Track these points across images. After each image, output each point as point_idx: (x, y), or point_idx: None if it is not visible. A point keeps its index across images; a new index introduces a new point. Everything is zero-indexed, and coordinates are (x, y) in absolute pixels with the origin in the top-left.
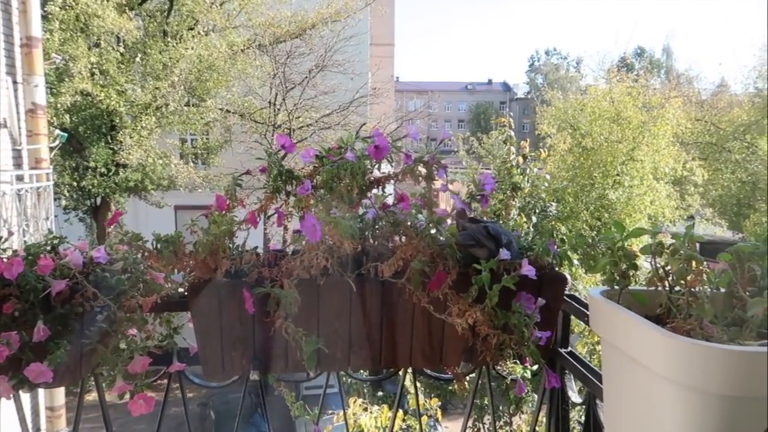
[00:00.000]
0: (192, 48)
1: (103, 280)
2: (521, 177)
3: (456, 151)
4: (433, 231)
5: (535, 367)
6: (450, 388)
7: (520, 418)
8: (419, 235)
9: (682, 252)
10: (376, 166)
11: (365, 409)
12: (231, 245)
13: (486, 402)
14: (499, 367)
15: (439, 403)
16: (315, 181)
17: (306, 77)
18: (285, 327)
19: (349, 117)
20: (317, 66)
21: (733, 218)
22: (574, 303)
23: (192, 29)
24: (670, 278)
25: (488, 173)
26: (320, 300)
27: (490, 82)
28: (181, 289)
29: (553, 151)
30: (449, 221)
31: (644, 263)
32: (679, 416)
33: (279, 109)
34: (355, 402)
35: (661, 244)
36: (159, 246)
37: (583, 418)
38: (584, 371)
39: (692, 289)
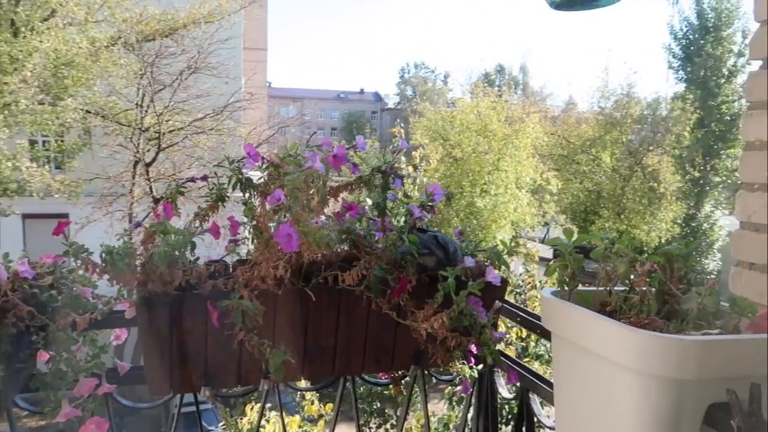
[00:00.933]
0: (47, 41)
1: (33, 297)
2: (413, 186)
3: None
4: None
5: (480, 366)
6: (386, 392)
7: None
8: (385, 245)
9: (626, 256)
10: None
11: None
12: (191, 257)
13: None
14: (434, 369)
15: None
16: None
17: (177, 79)
18: (248, 339)
19: (224, 122)
20: (189, 68)
21: (582, 224)
22: (505, 306)
23: (47, 20)
24: (617, 279)
25: (437, 185)
26: (277, 310)
27: (362, 91)
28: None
29: (426, 160)
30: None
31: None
32: (637, 401)
33: (147, 112)
34: (252, 409)
35: (609, 249)
36: (112, 259)
37: (514, 411)
38: (518, 368)
39: (638, 288)
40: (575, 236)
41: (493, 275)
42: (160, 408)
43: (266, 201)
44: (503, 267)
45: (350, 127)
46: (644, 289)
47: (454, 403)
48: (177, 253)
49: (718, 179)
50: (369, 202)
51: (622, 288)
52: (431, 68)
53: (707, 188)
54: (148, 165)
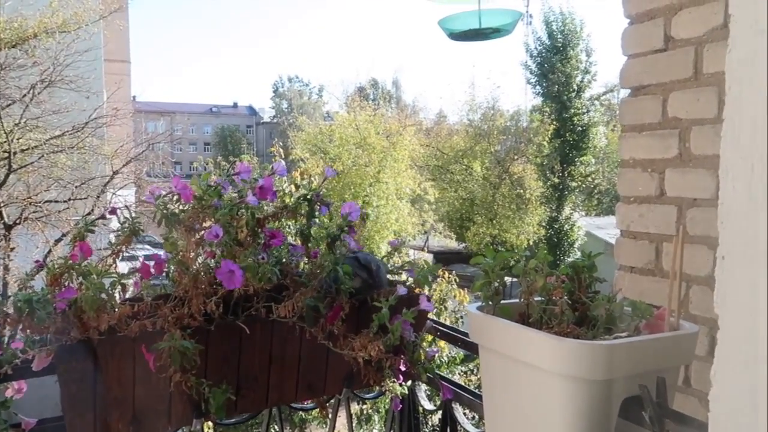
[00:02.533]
0: None
1: None
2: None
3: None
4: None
5: (409, 382)
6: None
7: None
8: (311, 271)
9: (542, 270)
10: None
11: None
12: (118, 299)
13: None
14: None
15: None
16: (198, 225)
17: (28, 93)
18: (185, 380)
19: (86, 139)
20: (43, 81)
21: (459, 230)
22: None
23: None
24: (536, 292)
25: (352, 203)
26: (209, 347)
27: (235, 105)
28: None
29: (308, 175)
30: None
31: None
32: (564, 402)
33: None
34: None
35: (527, 265)
36: (32, 308)
37: (435, 421)
38: (443, 381)
39: (556, 299)
40: (496, 256)
41: (426, 304)
42: None
43: (191, 235)
44: (425, 286)
45: (225, 142)
46: (561, 300)
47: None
48: (105, 296)
49: (574, 184)
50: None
51: (539, 299)
52: (305, 82)
53: (566, 193)
54: None
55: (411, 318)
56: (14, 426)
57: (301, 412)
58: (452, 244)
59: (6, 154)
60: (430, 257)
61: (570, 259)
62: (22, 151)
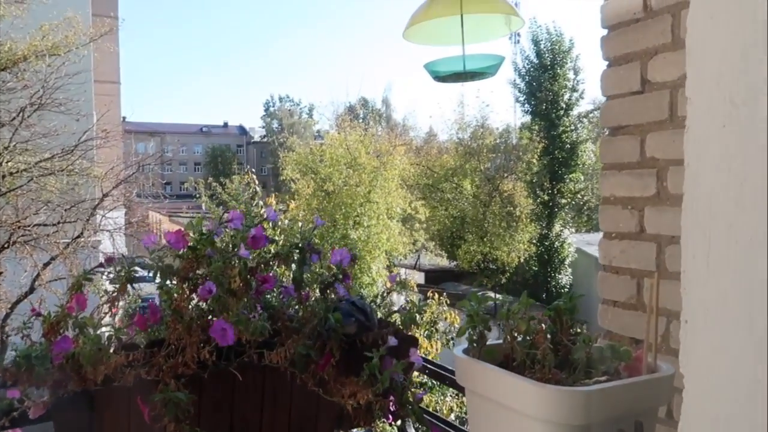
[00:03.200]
0: None
1: None
2: (273, 231)
3: (197, 196)
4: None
5: (399, 422)
6: None
7: None
8: (303, 316)
9: (525, 314)
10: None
11: None
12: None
13: None
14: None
15: None
16: (192, 274)
17: (18, 116)
18: (179, 430)
19: (76, 162)
20: (32, 104)
21: (450, 248)
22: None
23: None
24: (518, 336)
25: (343, 249)
26: (203, 394)
27: (226, 125)
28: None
29: (298, 195)
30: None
31: None
32: None
33: None
34: None
35: (509, 311)
36: (30, 364)
37: None
38: (432, 419)
39: (539, 345)
40: (479, 299)
41: (416, 357)
42: None
43: (184, 285)
44: (413, 327)
45: (215, 162)
46: (543, 346)
47: None
48: (101, 349)
49: (564, 201)
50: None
51: (523, 339)
52: (296, 101)
53: (556, 209)
54: None
55: (400, 370)
56: None
57: None
58: (443, 262)
59: None
60: (421, 276)
61: (561, 276)
62: (11, 174)
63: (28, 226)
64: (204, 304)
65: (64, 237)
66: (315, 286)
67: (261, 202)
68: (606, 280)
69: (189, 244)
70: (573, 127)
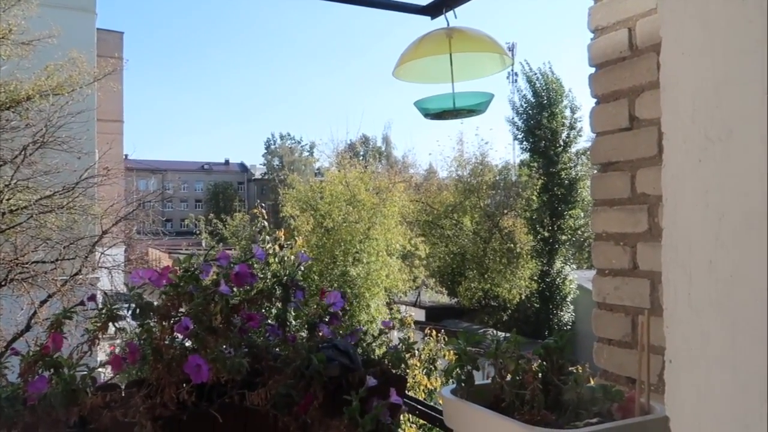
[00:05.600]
0: None
1: None
2: (278, 265)
3: (197, 233)
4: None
5: None
6: None
7: None
8: (287, 356)
9: (514, 354)
10: None
11: None
12: (89, 391)
13: None
14: None
15: None
16: (174, 312)
17: (20, 154)
18: None
19: (77, 199)
20: (35, 142)
21: (450, 285)
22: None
23: None
24: (507, 376)
25: (337, 293)
26: None
27: (227, 162)
28: None
29: (297, 232)
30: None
31: None
32: None
33: None
34: None
35: (497, 350)
36: (0, 406)
37: None
38: None
39: (528, 385)
40: (470, 339)
41: (395, 398)
42: None
43: (164, 322)
44: (402, 365)
45: (216, 199)
46: (533, 386)
47: None
48: (74, 390)
49: (564, 237)
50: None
51: (511, 381)
52: (297, 139)
53: (556, 246)
54: None
55: (380, 411)
56: None
57: None
58: (444, 299)
59: None
60: (422, 313)
61: (562, 313)
62: (11, 211)
63: (26, 263)
64: (190, 342)
65: (62, 274)
66: (303, 325)
67: (268, 237)
68: (600, 318)
69: (171, 281)
70: (572, 164)
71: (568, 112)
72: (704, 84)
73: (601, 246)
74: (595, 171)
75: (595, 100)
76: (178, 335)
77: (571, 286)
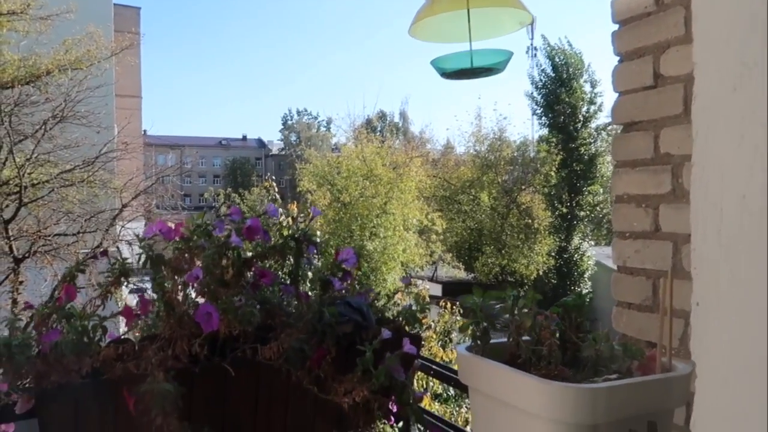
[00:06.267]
0: None
1: None
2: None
3: (217, 207)
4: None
5: (401, 424)
6: None
7: None
8: (300, 313)
9: (530, 310)
10: None
11: None
12: (102, 342)
13: None
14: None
15: None
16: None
17: (40, 128)
18: (168, 424)
19: (96, 173)
20: (55, 117)
21: (467, 260)
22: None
23: None
24: (524, 332)
25: (349, 249)
26: (194, 389)
27: (244, 138)
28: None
29: (314, 206)
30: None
31: None
32: None
33: (4, 164)
34: None
35: (514, 306)
36: (10, 352)
37: None
38: (435, 421)
39: (544, 340)
40: (484, 295)
41: (409, 347)
42: None
43: (176, 275)
44: (416, 324)
45: (234, 174)
46: (549, 341)
47: None
48: (86, 339)
49: (583, 213)
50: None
51: (528, 338)
52: (314, 114)
53: (575, 222)
54: (7, 222)
55: (394, 363)
56: None
57: None
58: (461, 274)
59: (17, 189)
60: (438, 288)
61: (580, 289)
62: (33, 185)
63: (49, 236)
64: (202, 298)
65: (83, 247)
66: (316, 282)
67: (281, 210)
68: (620, 282)
69: (183, 235)
70: (591, 140)
71: (588, 87)
72: (741, 8)
73: (622, 208)
74: (618, 131)
75: (618, 58)
76: (191, 292)
77: (589, 263)
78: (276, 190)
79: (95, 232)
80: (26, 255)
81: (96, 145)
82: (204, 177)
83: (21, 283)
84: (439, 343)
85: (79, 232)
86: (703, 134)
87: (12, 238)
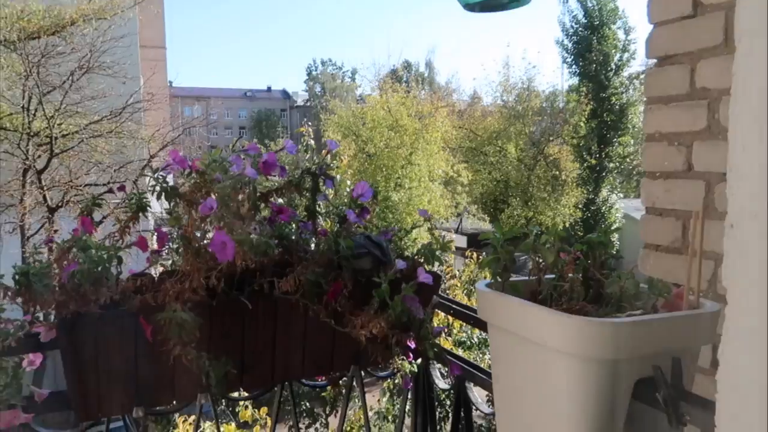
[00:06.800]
0: None
1: None
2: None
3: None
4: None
5: (419, 360)
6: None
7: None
8: (318, 248)
9: (554, 246)
10: None
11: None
12: (117, 271)
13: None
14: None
15: None
16: (197, 197)
17: (68, 79)
18: (185, 354)
19: (124, 124)
20: (81, 67)
21: (492, 213)
22: (439, 299)
23: None
24: (546, 269)
25: (364, 183)
26: (212, 321)
27: (269, 89)
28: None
29: (339, 157)
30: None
31: None
32: (573, 382)
33: (35, 115)
34: (184, 422)
35: (538, 241)
36: (29, 281)
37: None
38: (455, 359)
39: (567, 276)
40: (505, 231)
41: (425, 276)
42: None
43: (193, 209)
44: (437, 262)
45: (260, 126)
46: (572, 276)
47: (394, 396)
48: (101, 269)
49: (612, 165)
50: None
51: (551, 276)
52: (338, 65)
53: (603, 174)
54: (40, 172)
55: (410, 292)
56: (27, 398)
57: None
58: (486, 226)
59: (48, 139)
60: (463, 240)
61: (606, 226)
62: (63, 136)
63: (80, 186)
64: None
65: (114, 197)
66: (331, 215)
67: (314, 157)
68: (648, 223)
69: (198, 168)
70: (623, 89)
71: (621, 34)
72: None
73: (653, 147)
74: (652, 65)
75: None
76: (209, 228)
77: (617, 215)
78: (311, 135)
79: (125, 182)
80: (59, 205)
81: (122, 96)
82: (230, 129)
83: (56, 232)
84: (464, 292)
85: (109, 183)
86: (746, 42)
87: (45, 188)
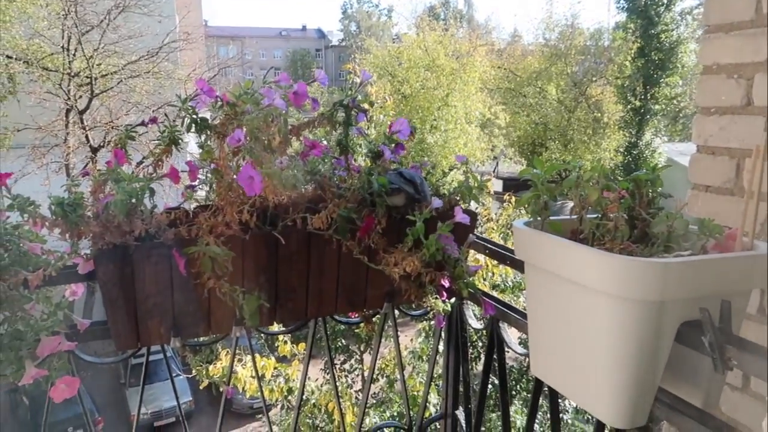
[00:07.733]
0: None
1: None
2: (368, 123)
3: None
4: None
5: (452, 300)
6: (357, 330)
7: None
8: (351, 184)
9: (598, 183)
10: None
11: (239, 360)
12: (150, 204)
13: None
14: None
15: None
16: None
17: (105, 18)
18: (219, 287)
19: (160, 64)
20: (117, 6)
21: (530, 156)
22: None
23: None
24: (588, 207)
25: (403, 119)
26: (245, 256)
27: (304, 28)
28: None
29: (374, 98)
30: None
31: None
32: (614, 324)
33: (75, 55)
34: (226, 355)
35: (581, 177)
36: (63, 211)
37: (484, 340)
38: (488, 299)
39: (611, 214)
40: (547, 166)
41: (462, 216)
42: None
43: (224, 142)
44: (473, 201)
45: (295, 66)
46: (616, 215)
47: (429, 338)
48: (134, 200)
49: (657, 107)
50: (332, 140)
51: (593, 216)
52: (375, 2)
53: (647, 117)
54: (81, 112)
55: (446, 231)
56: (70, 327)
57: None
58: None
59: (88, 80)
60: (499, 183)
61: (654, 163)
62: (103, 76)
63: (120, 126)
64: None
65: (153, 137)
66: (361, 153)
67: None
68: (698, 162)
69: (228, 100)
70: (674, 25)
71: None
72: None
73: (710, 80)
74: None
75: None
76: (242, 163)
77: (660, 159)
78: (357, 72)
79: (164, 122)
80: (101, 145)
81: (158, 35)
82: (265, 69)
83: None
84: (501, 236)
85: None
86: None
87: (88, 128)
